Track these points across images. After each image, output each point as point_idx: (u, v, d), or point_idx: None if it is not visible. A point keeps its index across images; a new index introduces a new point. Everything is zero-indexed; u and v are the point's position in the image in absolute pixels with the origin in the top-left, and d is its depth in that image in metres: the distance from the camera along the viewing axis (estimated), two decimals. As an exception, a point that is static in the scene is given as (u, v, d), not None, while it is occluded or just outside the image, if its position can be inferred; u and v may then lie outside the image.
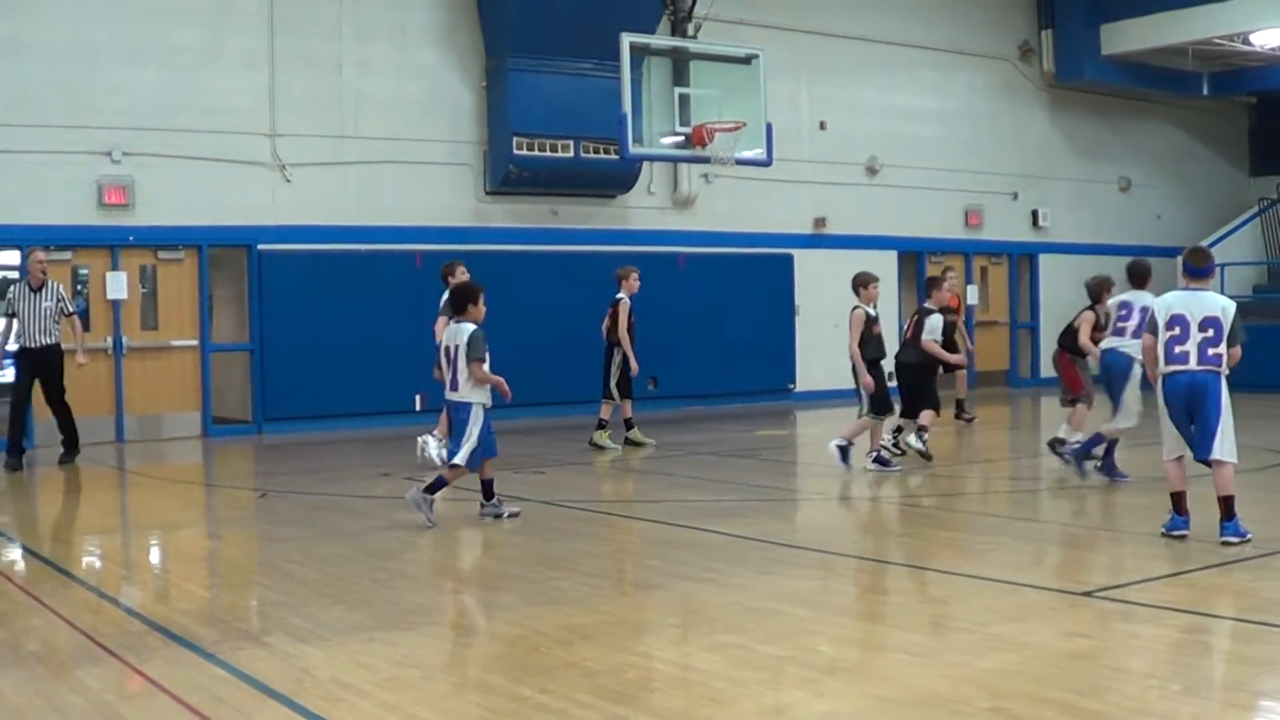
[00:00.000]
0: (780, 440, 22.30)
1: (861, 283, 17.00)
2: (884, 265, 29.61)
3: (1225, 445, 11.13)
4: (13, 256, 21.95)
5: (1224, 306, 11.23)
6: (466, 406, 13.01)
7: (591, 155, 24.85)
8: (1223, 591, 9.57)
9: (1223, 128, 37.50)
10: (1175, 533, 11.44)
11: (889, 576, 10.38)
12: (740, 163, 23.62)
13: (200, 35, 22.49)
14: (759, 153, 23.54)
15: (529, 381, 24.22)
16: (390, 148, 24.00)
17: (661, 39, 24.29)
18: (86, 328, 21.07)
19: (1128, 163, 35.16)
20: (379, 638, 8.32)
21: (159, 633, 8.62)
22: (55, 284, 19.31)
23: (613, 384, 20.12)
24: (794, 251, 28.65)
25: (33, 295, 19.01)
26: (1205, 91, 34.71)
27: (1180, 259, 11.82)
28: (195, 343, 22.67)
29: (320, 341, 23.22)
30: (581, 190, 25.92)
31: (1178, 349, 11.23)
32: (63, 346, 19.37)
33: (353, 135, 23.75)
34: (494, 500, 13.51)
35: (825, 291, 28.44)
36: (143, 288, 22.47)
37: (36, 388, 19.43)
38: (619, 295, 20.21)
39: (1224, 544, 11.05)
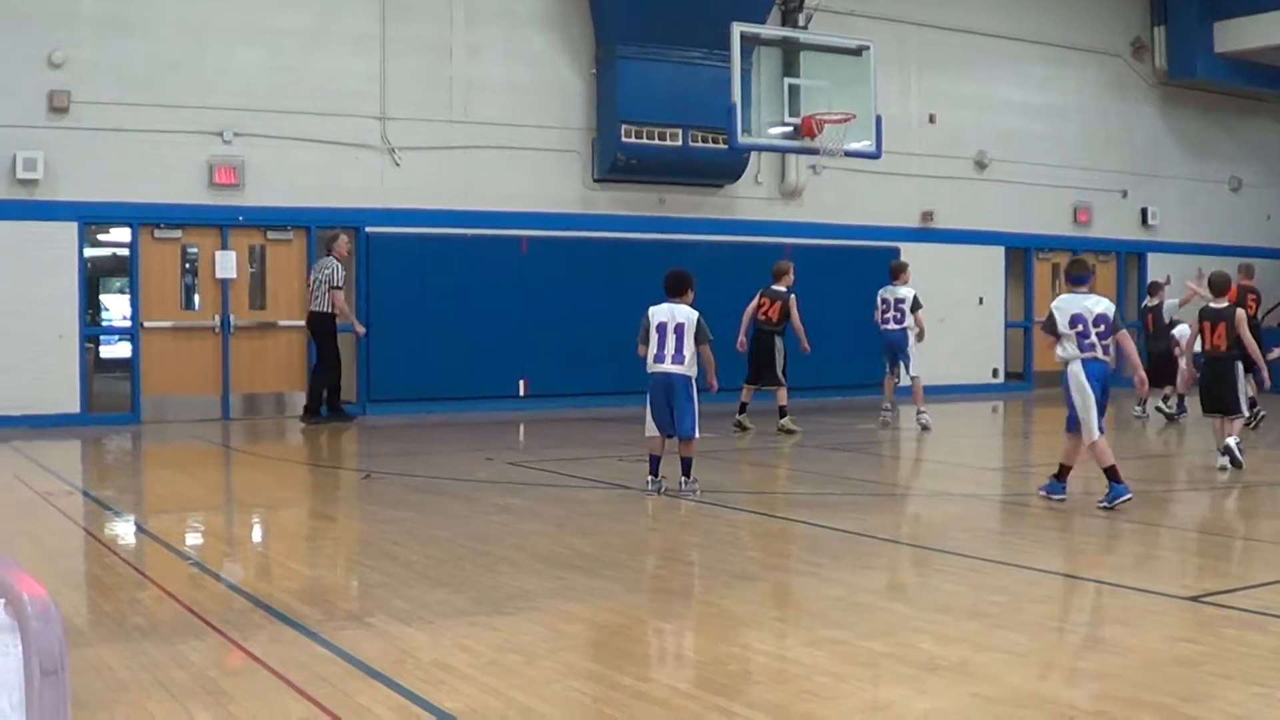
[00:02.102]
0: (885, 434, 22.20)
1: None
2: (991, 261, 29.52)
3: (1098, 423, 13.29)
4: (124, 234, 22.17)
5: (1107, 306, 13.50)
6: (688, 380, 14.01)
7: (700, 144, 24.84)
8: (1332, 599, 9.44)
9: (1336, 128, 37.02)
10: (1118, 500, 13.17)
11: (991, 574, 10.29)
12: (849, 155, 23.56)
13: (311, 17, 22.66)
14: (868, 145, 23.47)
15: (635, 369, 24.32)
16: (499, 133, 24.07)
17: (772, 29, 24.24)
18: (193, 306, 21.49)
19: (1238, 162, 34.73)
20: (481, 622, 8.35)
21: (262, 610, 8.68)
22: (329, 259, 21.85)
23: (779, 370, 21.29)
24: (900, 244, 28.46)
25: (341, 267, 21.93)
26: (1319, 91, 34.25)
27: (1064, 268, 14.26)
28: (302, 323, 22.82)
29: (425, 324, 23.34)
30: (689, 179, 25.90)
31: (1086, 342, 13.35)
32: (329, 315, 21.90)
33: (462, 120, 23.85)
34: (693, 478, 14.22)
35: (931, 285, 28.27)
36: (251, 267, 22.67)
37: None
38: (779, 288, 21.29)
39: (1106, 507, 13.10)
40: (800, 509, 13.56)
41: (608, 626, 8.52)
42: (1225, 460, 16.30)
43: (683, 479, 14.14)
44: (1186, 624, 8.62)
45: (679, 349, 13.99)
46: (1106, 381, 13.43)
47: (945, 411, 24.49)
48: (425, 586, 9.45)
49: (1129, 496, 13.19)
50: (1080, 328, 13.37)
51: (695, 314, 14.10)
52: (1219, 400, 16.82)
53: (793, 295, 21.40)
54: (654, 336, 14.19)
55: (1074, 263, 14.39)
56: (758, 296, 21.28)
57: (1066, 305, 13.59)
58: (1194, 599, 9.17)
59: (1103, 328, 13.36)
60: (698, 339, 13.96)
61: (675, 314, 14.14)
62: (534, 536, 11.84)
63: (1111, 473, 13.27)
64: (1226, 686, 7.03)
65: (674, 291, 14.42)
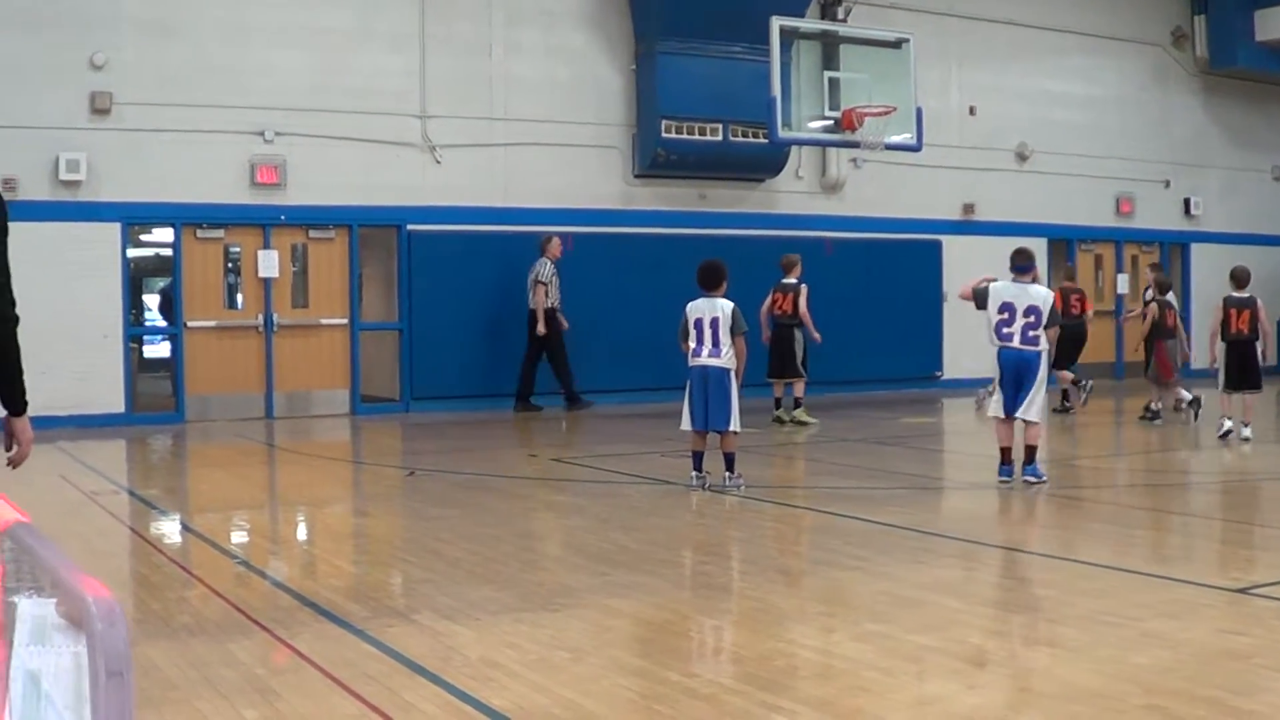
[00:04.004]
0: (928, 428, 22.17)
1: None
2: (1034, 252, 29.36)
3: (1033, 409, 13.89)
4: (166, 234, 22.25)
5: (1044, 297, 14.15)
6: (727, 373, 14.02)
7: (740, 139, 24.80)
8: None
9: (1381, 116, 36.80)
10: (1002, 479, 14.05)
11: (1038, 568, 10.27)
12: (889, 148, 23.54)
13: (350, 16, 22.69)
14: (908, 138, 23.44)
15: (677, 364, 24.28)
16: (539, 130, 24.07)
17: (811, 22, 24.22)
18: (236, 305, 21.67)
19: (1281, 151, 34.58)
20: (527, 618, 8.35)
21: (308, 607, 8.70)
22: (543, 259, 23.13)
23: (798, 362, 21.21)
24: (942, 237, 28.44)
25: (555, 268, 23.16)
26: (1362, 79, 34.00)
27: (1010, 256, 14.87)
28: (345, 321, 22.88)
29: (467, 322, 23.37)
30: (729, 174, 25.86)
31: (1004, 330, 14.05)
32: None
33: (502, 117, 23.85)
34: (737, 473, 14.19)
35: (973, 278, 28.22)
36: (293, 266, 22.72)
37: None
38: (789, 280, 21.14)
39: (1025, 482, 13.93)
40: (845, 503, 13.53)
41: (653, 622, 8.52)
42: (1247, 431, 18.15)
43: (726, 474, 14.07)
44: (1236, 616, 8.57)
45: (716, 342, 14.04)
46: (1022, 369, 13.95)
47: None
48: (471, 583, 9.46)
49: (1006, 480, 14.11)
50: (1005, 316, 14.12)
51: (730, 305, 14.14)
52: (1245, 378, 18.39)
53: (803, 286, 21.28)
54: (693, 332, 14.24)
55: (1017, 251, 15.03)
56: (771, 293, 21.25)
57: (1001, 292, 14.38)
58: (1242, 591, 9.12)
59: (1032, 319, 13.97)
60: (733, 330, 14.00)
61: (712, 308, 14.17)
62: (578, 532, 11.86)
63: (1003, 454, 14.21)
64: (1277, 679, 7.00)
65: (709, 284, 14.44)
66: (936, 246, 28.38)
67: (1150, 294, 22.51)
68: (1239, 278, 18.73)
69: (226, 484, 15.90)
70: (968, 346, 27.90)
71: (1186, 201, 32.41)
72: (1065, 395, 22.65)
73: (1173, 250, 32.55)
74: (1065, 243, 30.29)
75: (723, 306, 14.14)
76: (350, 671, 7.12)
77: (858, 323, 25.87)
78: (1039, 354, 14.00)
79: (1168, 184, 32.14)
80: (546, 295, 23.06)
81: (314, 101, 22.21)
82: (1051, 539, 12.07)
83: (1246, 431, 18.28)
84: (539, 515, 12.67)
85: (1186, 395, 20.97)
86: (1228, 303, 18.68)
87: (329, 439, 20.74)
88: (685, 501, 13.68)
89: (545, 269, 23.07)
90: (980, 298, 14.56)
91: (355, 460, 18.86)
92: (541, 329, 22.98)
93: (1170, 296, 22.40)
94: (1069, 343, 20.97)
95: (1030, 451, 14.07)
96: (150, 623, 8.45)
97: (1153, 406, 21.24)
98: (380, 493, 15.38)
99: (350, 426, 21.93)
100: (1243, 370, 18.46)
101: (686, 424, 14.34)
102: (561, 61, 24.53)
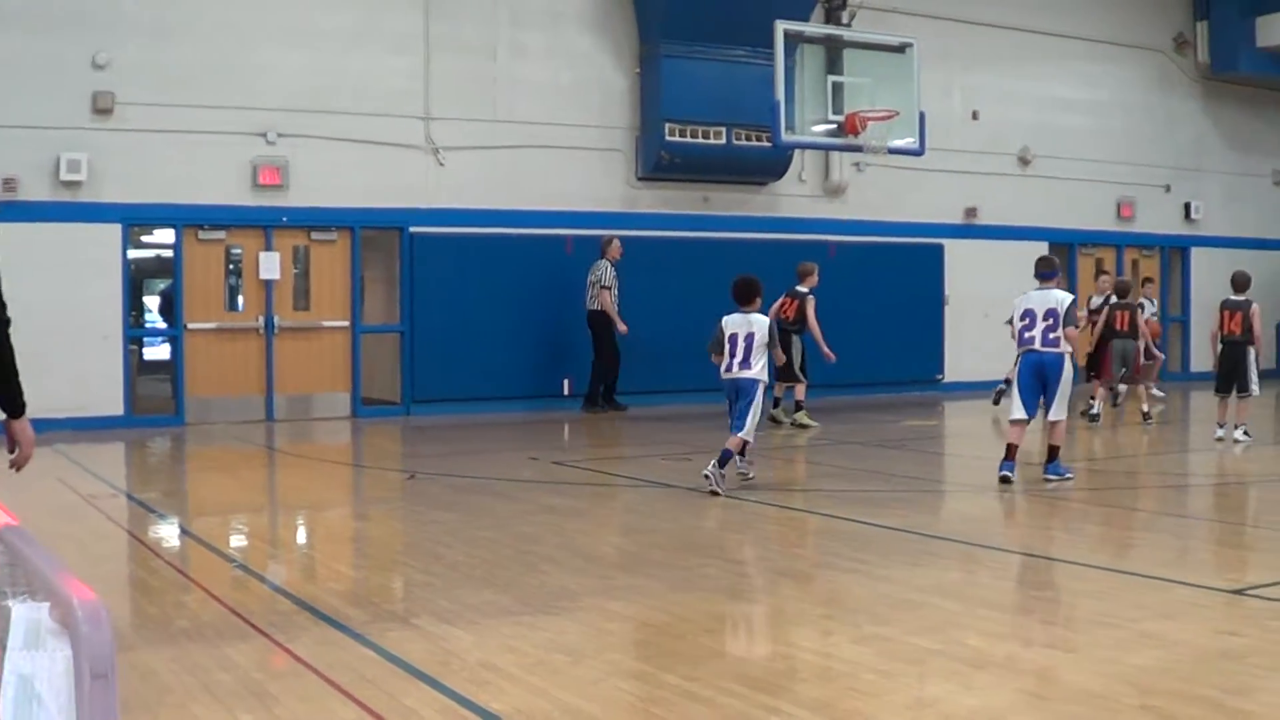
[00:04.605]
0: (929, 431, 22.18)
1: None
2: (1035, 257, 29.34)
3: (1060, 408, 14.38)
4: (168, 236, 22.24)
5: (1061, 300, 14.42)
6: (756, 384, 14.31)
7: (743, 143, 24.81)
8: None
9: (1380, 121, 36.81)
10: (1002, 474, 14.34)
11: (1037, 570, 10.28)
12: (892, 152, 23.58)
13: (353, 17, 22.68)
14: (911, 142, 23.48)
15: (678, 368, 24.33)
16: (542, 133, 24.07)
17: (815, 26, 24.22)
18: (237, 307, 21.69)
19: (1282, 156, 34.59)
20: (526, 622, 8.34)
21: (307, 611, 8.69)
22: (602, 261, 23.61)
23: (796, 367, 21.11)
24: (944, 241, 28.46)
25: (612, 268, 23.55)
26: (1362, 84, 34.00)
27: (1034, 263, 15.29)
28: (346, 323, 22.87)
29: (469, 324, 23.34)
30: (733, 177, 25.87)
31: (1026, 334, 14.49)
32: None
33: (505, 120, 23.84)
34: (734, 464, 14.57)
35: (975, 282, 28.32)
36: (295, 268, 22.70)
37: None
38: (801, 288, 21.22)
39: (1045, 480, 14.43)
40: (846, 505, 13.52)
41: (653, 625, 8.51)
42: (1239, 434, 18.51)
43: (712, 464, 14.12)
44: (1231, 617, 8.60)
45: (747, 357, 14.29)
46: (1043, 371, 14.41)
47: (989, 408, 24.38)
48: (470, 587, 9.45)
49: (1005, 474, 14.34)
50: (1026, 321, 14.56)
51: (767, 321, 14.49)
52: (1234, 381, 18.74)
53: (810, 297, 21.30)
54: (726, 345, 14.45)
55: (1041, 259, 15.48)
56: (783, 296, 21.27)
57: (1025, 299, 14.84)
58: (1238, 592, 9.15)
59: (1052, 322, 14.34)
60: (769, 344, 14.34)
61: (747, 324, 14.42)
62: (578, 535, 11.86)
63: (1009, 450, 14.49)
64: (1272, 679, 7.02)
65: (744, 299, 14.66)
66: (939, 250, 28.40)
67: (1097, 300, 23.57)
68: (1237, 282, 19.07)
69: (226, 487, 15.90)
70: (969, 350, 28.00)
71: (1187, 206, 32.41)
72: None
73: (1173, 254, 32.57)
74: (1066, 247, 30.26)
75: (759, 323, 14.41)
76: (348, 676, 7.11)
77: (860, 326, 25.86)
78: (1060, 355, 14.33)
79: (1168, 188, 32.15)
80: (611, 297, 23.44)
81: (317, 103, 22.20)
82: (1050, 541, 12.07)
83: (1238, 434, 18.56)
84: (538, 518, 12.64)
85: (1114, 395, 22.06)
86: (1223, 305, 19.21)
87: (329, 442, 20.74)
88: (685, 504, 13.66)
89: (607, 272, 23.43)
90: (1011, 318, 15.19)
91: (355, 464, 18.85)
92: (622, 327, 23.44)
93: (1139, 299, 23.09)
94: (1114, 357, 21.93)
95: (1053, 451, 14.55)
96: (147, 627, 8.45)
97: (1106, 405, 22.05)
98: (380, 496, 15.38)
99: (351, 429, 21.92)
100: (1231, 374, 18.82)
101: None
102: (565, 64, 24.52)
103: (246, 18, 21.82)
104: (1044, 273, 14.96)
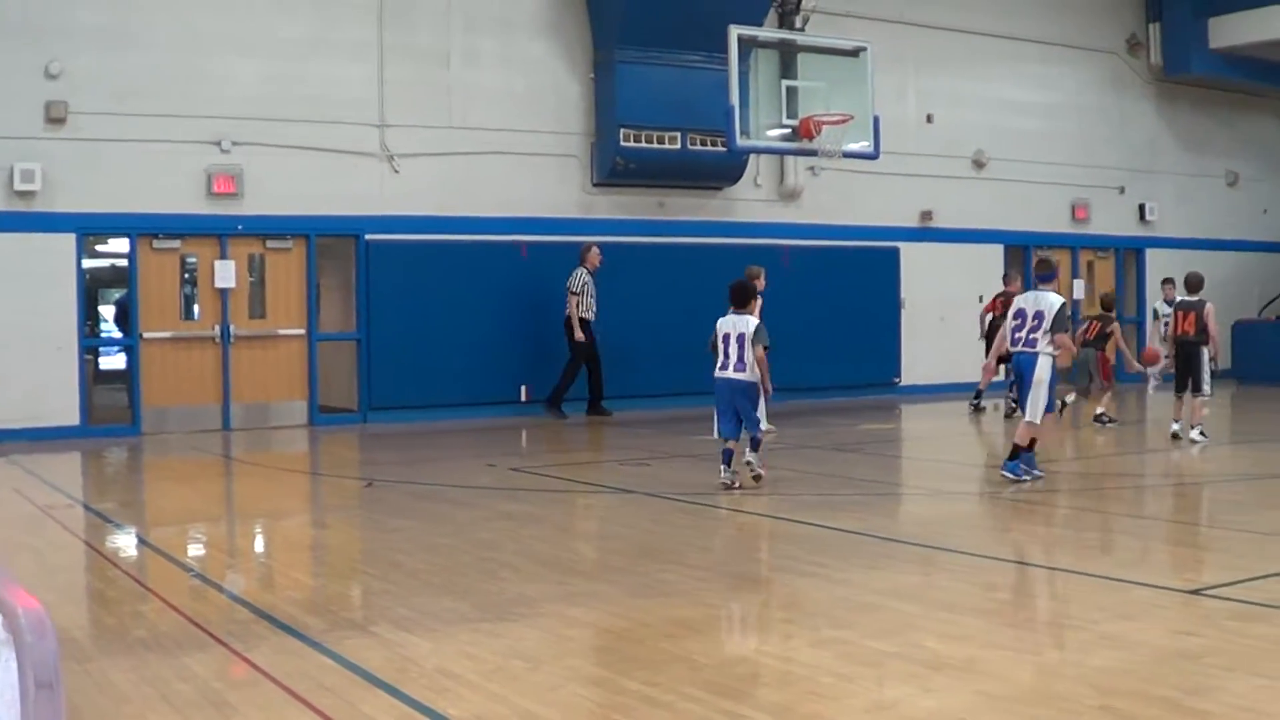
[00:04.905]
0: (886, 434, 22.23)
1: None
2: (990, 259, 29.50)
3: (1033, 409, 14.61)
4: (123, 245, 22.13)
5: (1051, 303, 14.61)
6: (751, 385, 14.80)
7: (698, 147, 24.81)
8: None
9: (1331, 122, 37.05)
10: (1031, 473, 14.72)
11: (996, 572, 10.31)
12: (847, 155, 23.61)
13: (308, 26, 22.59)
14: (866, 146, 23.53)
15: (635, 373, 24.35)
16: (497, 139, 24.03)
17: (769, 31, 24.24)
18: (192, 316, 21.66)
19: (1235, 157, 34.74)
20: (484, 628, 8.34)
21: (265, 620, 8.67)
22: (579, 268, 23.60)
23: None
24: (900, 244, 28.52)
25: (591, 279, 23.52)
26: (1314, 86, 34.21)
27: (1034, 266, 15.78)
28: (302, 331, 22.79)
29: (426, 332, 23.28)
30: (688, 182, 25.86)
31: (1016, 335, 14.79)
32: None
33: (460, 126, 23.79)
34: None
35: (931, 285, 28.42)
36: (251, 276, 22.60)
37: None
38: None
39: (1002, 476, 14.66)
40: (804, 510, 13.55)
41: (612, 630, 8.51)
42: (1195, 434, 18.79)
43: (750, 455, 14.97)
44: (1189, 617, 8.65)
45: (740, 357, 14.75)
46: (1020, 370, 15.02)
47: (946, 411, 24.47)
48: (428, 594, 9.44)
49: (1010, 475, 14.62)
50: (1019, 321, 14.86)
51: (754, 321, 14.92)
52: (1187, 380, 19.00)
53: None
54: (720, 346, 14.97)
55: (1039, 261, 15.84)
56: None
57: (1019, 300, 15.29)
58: (1195, 592, 9.20)
59: (1037, 323, 14.60)
60: (754, 342, 14.72)
61: (738, 324, 14.88)
62: (536, 542, 11.85)
63: (1014, 450, 14.81)
64: (1230, 679, 7.04)
65: (738, 303, 15.17)
66: (894, 254, 28.46)
67: (1165, 309, 23.72)
68: (1190, 283, 19.36)
69: (183, 497, 15.83)
70: (926, 353, 28.10)
71: (1141, 207, 32.56)
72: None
73: (1128, 255, 32.70)
74: (1022, 249, 30.37)
75: (747, 323, 14.85)
76: (307, 684, 7.10)
77: (816, 330, 25.90)
78: (1034, 356, 14.56)
79: (1123, 190, 32.29)
80: (579, 305, 23.37)
81: (271, 111, 22.12)
82: (1008, 543, 12.12)
83: (1194, 433, 18.76)
84: (496, 525, 12.62)
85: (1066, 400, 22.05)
86: (1176, 306, 19.68)
87: (287, 450, 20.66)
88: (644, 510, 13.69)
89: (577, 279, 23.39)
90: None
91: (313, 472, 18.81)
92: (579, 335, 23.31)
93: (1158, 301, 23.78)
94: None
95: (1014, 449, 14.77)
96: (105, 637, 8.43)
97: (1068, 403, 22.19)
98: (338, 504, 15.34)
99: (308, 438, 21.85)
100: (1185, 372, 19.11)
101: (716, 433, 15.55)
102: (520, 70, 24.49)
103: (200, 26, 21.71)
104: (1043, 275, 15.26)
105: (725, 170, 25.74)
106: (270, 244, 22.56)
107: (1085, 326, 21.87)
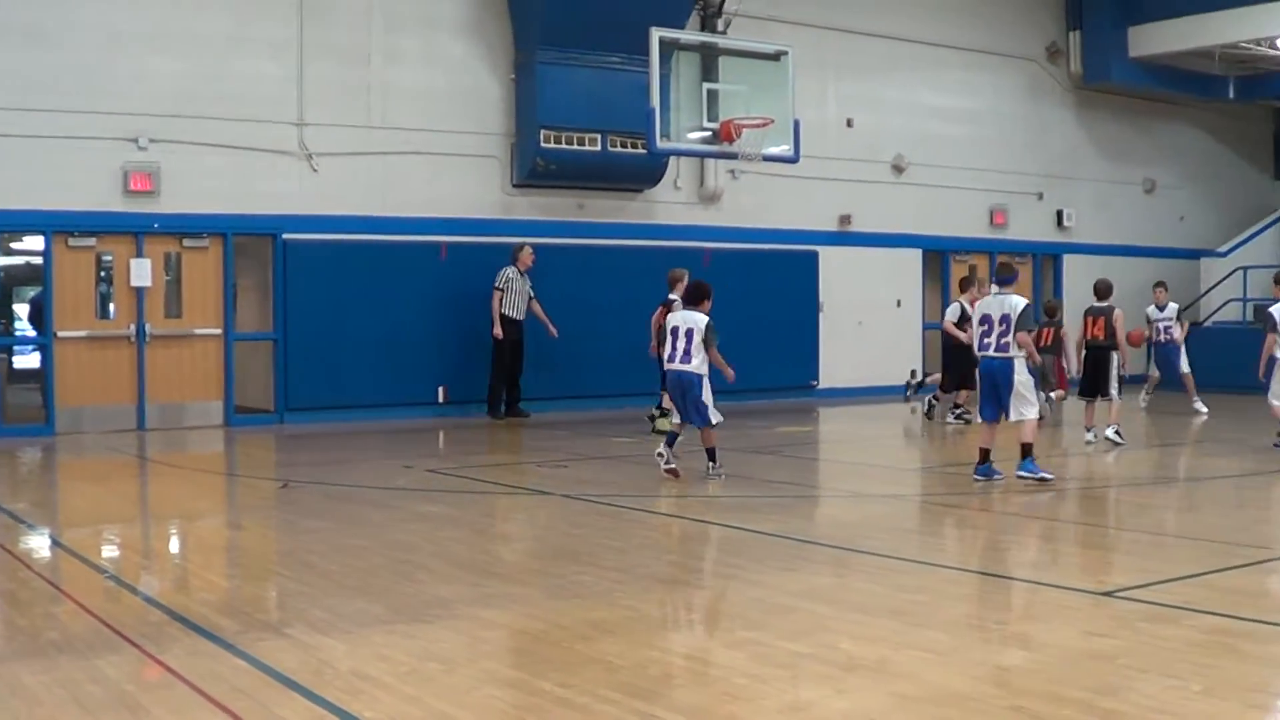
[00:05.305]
0: (803, 437, 22.29)
1: None
2: (909, 264, 29.66)
3: (1017, 409, 14.82)
4: (37, 242, 21.94)
5: (1015, 305, 14.76)
6: (696, 377, 15.66)
7: (619, 149, 24.80)
8: (1244, 593, 9.53)
9: (1248, 131, 37.39)
10: (976, 478, 14.94)
11: (910, 574, 10.35)
12: (767, 159, 23.63)
13: (228, 22, 22.43)
14: (786, 149, 23.56)
15: (553, 375, 24.35)
16: (417, 139, 23.96)
17: (691, 34, 24.23)
18: (108, 315, 21.57)
19: (1153, 165, 35.07)
20: (400, 630, 8.32)
21: (179, 622, 8.62)
22: (508, 267, 23.64)
23: None
24: (819, 248, 28.61)
25: (521, 279, 23.56)
26: (1231, 95, 34.45)
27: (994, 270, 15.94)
28: (219, 331, 22.63)
29: (344, 332, 23.19)
30: (608, 184, 25.86)
31: (985, 340, 14.91)
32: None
33: (380, 126, 23.71)
34: (718, 463, 15.93)
35: (850, 289, 28.55)
36: (167, 275, 22.43)
37: None
38: (672, 296, 20.79)
39: (1019, 477, 14.80)
40: (720, 512, 13.59)
41: (528, 632, 8.51)
42: (1109, 433, 19.09)
43: (709, 465, 15.80)
44: (1101, 619, 8.72)
45: (688, 351, 15.61)
46: (993, 376, 14.95)
47: (864, 414, 24.59)
48: (343, 596, 9.41)
49: (980, 478, 14.94)
50: (985, 327, 15.01)
51: (705, 320, 15.70)
52: (1095, 385, 19.58)
53: (679, 302, 21.18)
54: (669, 339, 15.91)
55: (1000, 265, 15.90)
56: (659, 306, 21.23)
57: (983, 305, 15.31)
58: (1108, 594, 9.28)
59: (1005, 327, 14.74)
60: (705, 342, 15.53)
61: (688, 320, 15.79)
62: (452, 544, 11.83)
63: (981, 454, 15.07)
64: (1141, 679, 7.12)
65: (691, 300, 16.22)
66: (813, 257, 28.54)
67: (1156, 313, 24.86)
68: (1099, 289, 19.98)
69: (97, 498, 15.71)
70: (844, 356, 28.22)
71: (1059, 213, 32.80)
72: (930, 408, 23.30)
73: (1045, 261, 32.94)
74: (940, 254, 30.56)
75: (697, 320, 15.69)
76: (221, 687, 7.07)
77: (735, 333, 25.77)
78: (1009, 361, 14.79)
79: (1041, 196, 32.52)
80: (502, 302, 23.42)
81: (189, 108, 21.96)
82: (921, 545, 12.18)
83: (1109, 433, 19.10)
84: (413, 526, 12.59)
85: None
86: (1086, 312, 20.11)
87: (202, 451, 20.52)
88: (561, 511, 13.71)
89: (501, 276, 23.45)
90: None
91: (229, 473, 18.70)
92: (496, 331, 23.36)
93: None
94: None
95: (1025, 449, 14.95)
96: (17, 639, 8.36)
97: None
98: (254, 505, 15.26)
99: (224, 438, 21.71)
100: (1094, 377, 19.58)
101: (676, 418, 16.36)
102: (441, 70, 24.43)
103: (118, 22, 21.53)
104: (1003, 278, 15.39)
105: (645, 172, 25.76)
106: (187, 243, 22.39)
107: (1037, 333, 22.01)
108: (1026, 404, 14.90)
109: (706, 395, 15.69)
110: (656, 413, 21.30)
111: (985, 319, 15.00)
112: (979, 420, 15.48)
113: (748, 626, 8.44)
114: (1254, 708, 6.84)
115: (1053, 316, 22.11)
